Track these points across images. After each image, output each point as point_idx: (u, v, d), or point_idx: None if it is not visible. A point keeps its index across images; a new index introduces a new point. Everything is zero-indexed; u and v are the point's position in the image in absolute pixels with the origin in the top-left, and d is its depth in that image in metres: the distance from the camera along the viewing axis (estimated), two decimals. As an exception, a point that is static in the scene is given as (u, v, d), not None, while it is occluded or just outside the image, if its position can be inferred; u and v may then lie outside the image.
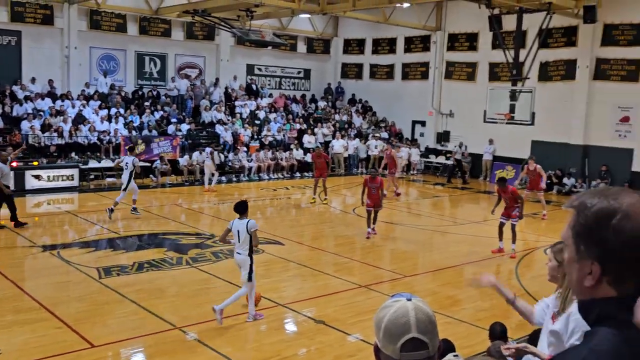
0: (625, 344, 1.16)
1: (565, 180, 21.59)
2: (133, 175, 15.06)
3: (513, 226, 12.42)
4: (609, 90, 20.89)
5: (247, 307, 8.44)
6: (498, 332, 5.52)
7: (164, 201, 18.04)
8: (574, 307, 3.34)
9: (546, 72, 22.48)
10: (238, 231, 8.18)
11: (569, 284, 1.39)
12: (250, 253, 8.22)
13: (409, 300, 1.70)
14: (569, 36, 21.94)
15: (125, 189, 14.84)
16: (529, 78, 20.36)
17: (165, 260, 11.21)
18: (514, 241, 12.46)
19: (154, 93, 24.64)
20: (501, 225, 12.60)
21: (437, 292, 10.17)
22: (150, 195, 18.66)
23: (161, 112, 23.57)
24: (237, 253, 8.30)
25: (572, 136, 21.77)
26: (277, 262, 11.46)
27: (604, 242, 1.23)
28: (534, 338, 5.17)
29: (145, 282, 9.92)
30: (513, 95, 19.82)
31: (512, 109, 19.89)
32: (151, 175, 20.56)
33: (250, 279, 8.21)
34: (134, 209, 14.98)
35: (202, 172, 21.40)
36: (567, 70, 21.98)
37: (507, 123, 20.39)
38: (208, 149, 20.68)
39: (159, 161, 20.53)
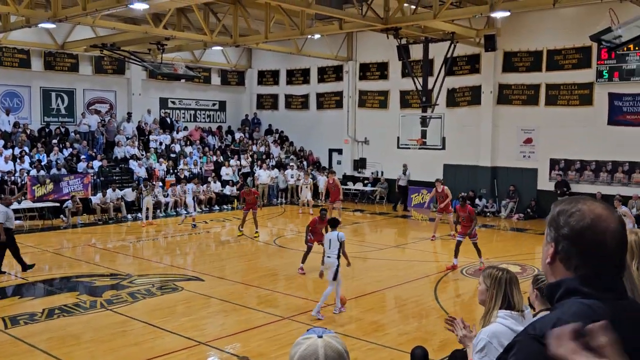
0: (590, 308, 1.48)
1: (477, 201, 22.45)
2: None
3: (475, 244, 13.40)
4: (512, 114, 22.05)
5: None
6: (419, 356, 5.59)
7: (76, 242, 17.26)
8: (485, 328, 3.45)
9: (454, 98, 23.46)
10: (330, 239, 10.21)
11: (541, 266, 1.73)
12: (338, 257, 10.09)
13: (320, 337, 1.69)
14: (472, 64, 23.05)
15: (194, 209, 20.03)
16: (438, 104, 21.16)
17: (79, 305, 10.68)
18: (479, 255, 13.42)
19: (62, 130, 23.72)
20: (458, 243, 13.51)
21: (360, 318, 10.22)
22: (61, 237, 17.83)
23: (70, 150, 22.70)
24: (327, 257, 10.21)
25: (480, 159, 22.74)
26: (198, 299, 11.18)
27: (558, 227, 1.62)
28: (453, 357, 5.29)
29: (56, 329, 9.38)
30: (424, 122, 20.51)
31: (424, 134, 20.56)
32: (61, 216, 19.65)
33: (335, 278, 9.96)
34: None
35: (117, 209, 20.72)
36: (473, 96, 23.04)
37: (419, 148, 21.03)
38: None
39: (70, 201, 19.66)
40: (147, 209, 19.89)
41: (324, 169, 26.61)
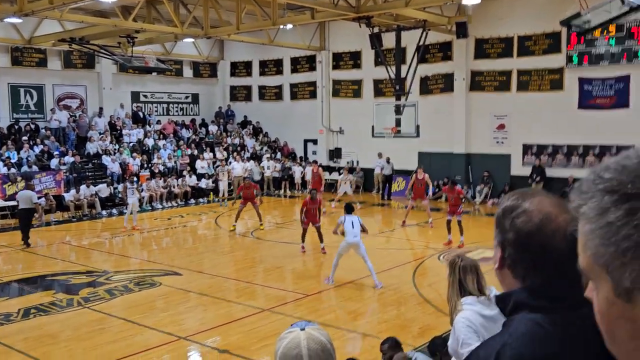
0: (538, 326, 1.33)
1: (452, 187, 22.61)
2: None
3: (459, 222, 14.29)
4: (485, 100, 22.24)
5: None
6: (394, 343, 5.59)
7: (51, 240, 17.01)
8: (456, 319, 3.47)
9: (427, 86, 23.57)
10: (352, 222, 10.97)
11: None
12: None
13: (303, 329, 1.69)
14: (445, 51, 23.17)
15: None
16: (411, 92, 21.25)
17: (55, 304, 10.54)
18: (461, 233, 14.38)
19: (32, 126, 23.28)
20: (448, 222, 14.53)
21: (340, 307, 10.29)
22: (35, 235, 17.50)
23: (41, 146, 22.32)
24: (354, 237, 10.92)
25: (455, 145, 22.91)
26: (176, 294, 11.11)
27: (505, 230, 1.47)
28: (432, 344, 5.33)
29: (33, 329, 9.25)
30: (398, 110, 20.59)
31: (398, 122, 20.65)
32: (35, 214, 19.29)
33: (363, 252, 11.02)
34: None
35: (91, 206, 20.43)
36: (446, 83, 23.18)
37: (394, 137, 21.12)
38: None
39: (43, 198, 19.31)
40: (132, 211, 17.93)
41: (301, 159, 26.64)
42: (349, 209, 11.40)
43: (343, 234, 11.13)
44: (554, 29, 19.44)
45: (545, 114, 20.79)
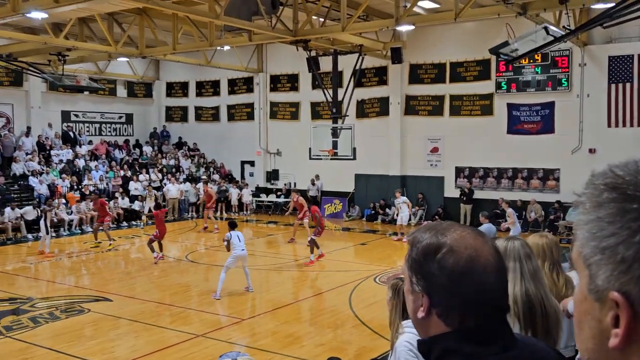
0: None
1: (387, 210, 22.94)
2: None
3: (310, 240, 15.40)
4: (419, 124, 22.76)
5: None
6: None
7: (-29, 265, 16.09)
8: (397, 341, 3.48)
9: (363, 109, 23.93)
10: (238, 236, 12.09)
11: (410, 315, 1.39)
12: None
13: (234, 360, 1.63)
14: (380, 75, 23.63)
15: None
16: (347, 115, 21.51)
17: (-26, 333, 9.94)
18: (311, 251, 15.41)
19: (-46, 146, 22.15)
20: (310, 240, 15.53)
21: (276, 331, 10.14)
22: (-47, 260, 16.58)
23: (-37, 167, 21.24)
24: (242, 250, 12.03)
25: (390, 168, 23.29)
26: (106, 320, 10.69)
27: (430, 275, 1.27)
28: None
29: (-52, 362, 8.69)
30: (335, 132, 20.78)
31: (335, 145, 20.83)
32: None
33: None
34: None
35: (16, 229, 19.51)
36: (381, 107, 23.61)
37: (331, 159, 21.27)
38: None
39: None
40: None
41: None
42: (233, 225, 12.47)
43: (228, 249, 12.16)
44: (484, 56, 20.15)
45: (476, 138, 21.45)
